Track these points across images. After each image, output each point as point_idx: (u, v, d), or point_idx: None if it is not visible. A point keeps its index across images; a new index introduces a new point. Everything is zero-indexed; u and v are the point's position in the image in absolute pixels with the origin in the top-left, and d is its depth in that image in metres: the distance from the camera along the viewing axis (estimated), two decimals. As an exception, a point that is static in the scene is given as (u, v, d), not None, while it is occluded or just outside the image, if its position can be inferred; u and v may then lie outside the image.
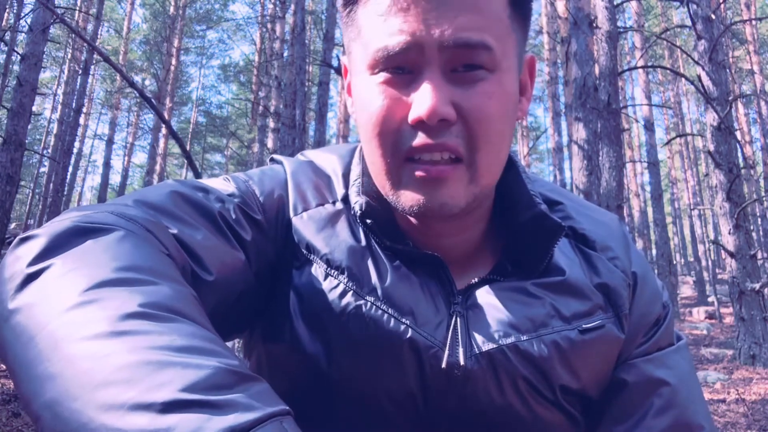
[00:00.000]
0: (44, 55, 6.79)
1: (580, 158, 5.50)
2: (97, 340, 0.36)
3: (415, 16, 0.54)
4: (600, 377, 0.65)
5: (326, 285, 0.62)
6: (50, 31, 7.35)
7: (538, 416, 0.62)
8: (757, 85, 17.27)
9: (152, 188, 0.59)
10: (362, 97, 0.59)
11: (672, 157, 23.70)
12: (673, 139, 8.80)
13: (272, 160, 0.76)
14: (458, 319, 0.61)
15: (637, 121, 17.42)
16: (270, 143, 12.70)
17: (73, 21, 13.81)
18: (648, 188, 16.03)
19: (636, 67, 8.10)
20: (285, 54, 12.52)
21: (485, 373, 0.60)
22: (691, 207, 21.15)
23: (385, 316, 0.60)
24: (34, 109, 6.45)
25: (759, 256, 7.69)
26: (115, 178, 24.13)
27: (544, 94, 20.98)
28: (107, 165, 16.97)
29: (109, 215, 0.49)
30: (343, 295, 0.61)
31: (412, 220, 0.65)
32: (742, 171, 7.22)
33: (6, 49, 8.63)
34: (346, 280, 0.61)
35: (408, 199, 0.58)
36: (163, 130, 17.41)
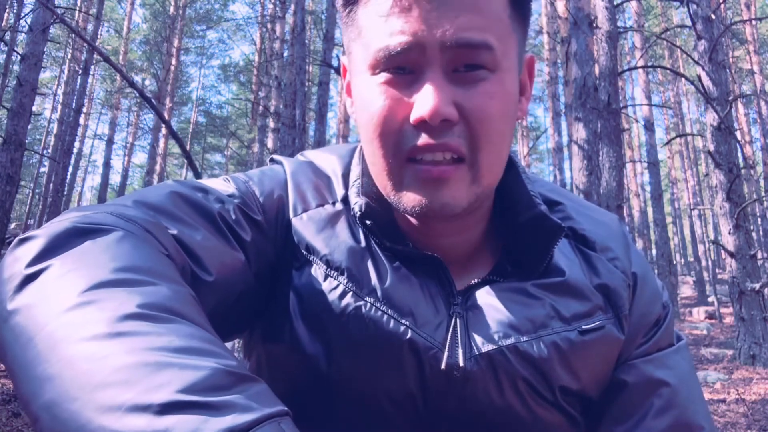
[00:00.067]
0: (44, 55, 6.80)
1: (580, 158, 5.49)
2: (96, 342, 0.36)
3: (416, 17, 0.54)
4: (600, 378, 0.65)
5: (326, 286, 0.62)
6: (50, 31, 7.35)
7: (538, 417, 0.61)
8: (757, 85, 17.26)
9: (152, 189, 0.59)
10: (363, 98, 0.59)
11: (672, 157, 23.70)
12: (673, 139, 8.80)
13: (272, 160, 0.76)
14: (458, 320, 0.61)
15: (637, 121, 17.42)
16: (270, 143, 12.70)
17: (73, 21, 13.81)
18: (648, 188, 16.04)
19: (636, 67, 8.11)
20: (285, 54, 12.52)
21: (485, 374, 0.59)
22: (691, 207, 21.15)
23: (385, 317, 0.60)
24: (34, 109, 6.45)
25: (759, 256, 7.69)
26: (115, 178, 24.19)
27: (544, 94, 21.00)
28: (107, 165, 16.98)
29: (108, 216, 0.49)
30: (342, 295, 0.61)
31: (413, 220, 0.65)
32: (742, 171, 7.22)
33: (6, 49, 8.63)
34: (345, 281, 0.61)
35: (410, 199, 0.58)
36: (163, 130, 17.42)
